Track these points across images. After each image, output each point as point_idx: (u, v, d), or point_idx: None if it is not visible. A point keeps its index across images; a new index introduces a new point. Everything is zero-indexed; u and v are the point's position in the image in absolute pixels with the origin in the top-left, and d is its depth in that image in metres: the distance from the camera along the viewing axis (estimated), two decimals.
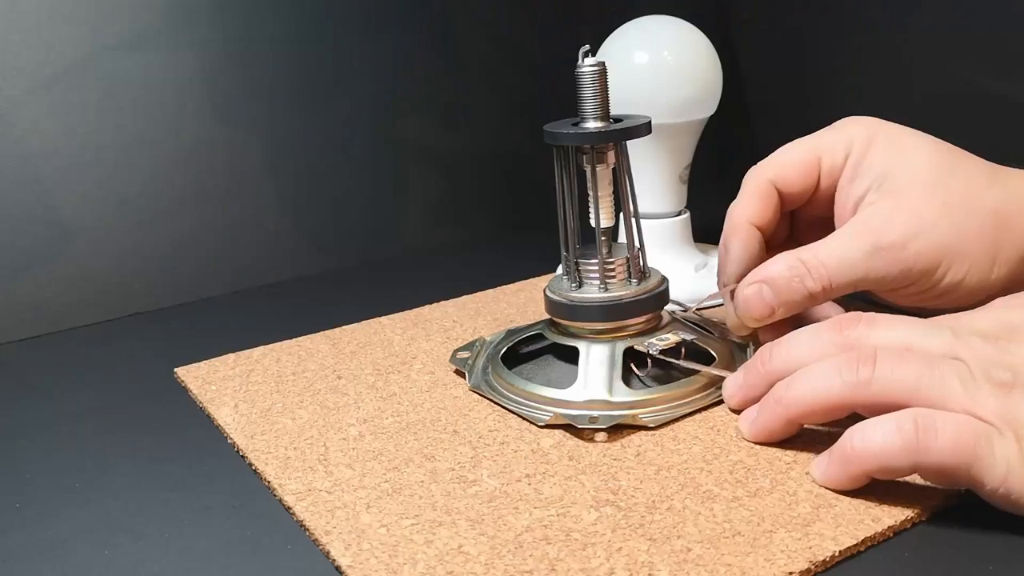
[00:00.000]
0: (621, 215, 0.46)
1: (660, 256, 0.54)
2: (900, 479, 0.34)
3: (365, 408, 0.45)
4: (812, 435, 0.38)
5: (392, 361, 0.51)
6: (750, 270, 0.44)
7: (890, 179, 0.42)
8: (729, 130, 0.65)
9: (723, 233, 0.47)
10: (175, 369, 0.52)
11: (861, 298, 0.50)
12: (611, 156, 0.44)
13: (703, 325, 0.48)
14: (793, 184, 0.45)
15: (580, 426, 0.40)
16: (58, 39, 0.62)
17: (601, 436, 0.40)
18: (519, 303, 0.58)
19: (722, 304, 0.46)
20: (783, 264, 0.42)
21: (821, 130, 0.46)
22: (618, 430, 0.40)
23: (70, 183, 0.63)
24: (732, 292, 0.44)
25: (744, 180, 0.46)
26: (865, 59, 0.73)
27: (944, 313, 0.40)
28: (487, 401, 0.44)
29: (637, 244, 0.45)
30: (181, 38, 0.65)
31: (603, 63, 0.43)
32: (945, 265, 0.41)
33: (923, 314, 0.39)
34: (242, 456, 0.42)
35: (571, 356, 0.44)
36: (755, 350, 0.46)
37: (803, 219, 0.47)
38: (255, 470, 0.40)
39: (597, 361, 0.43)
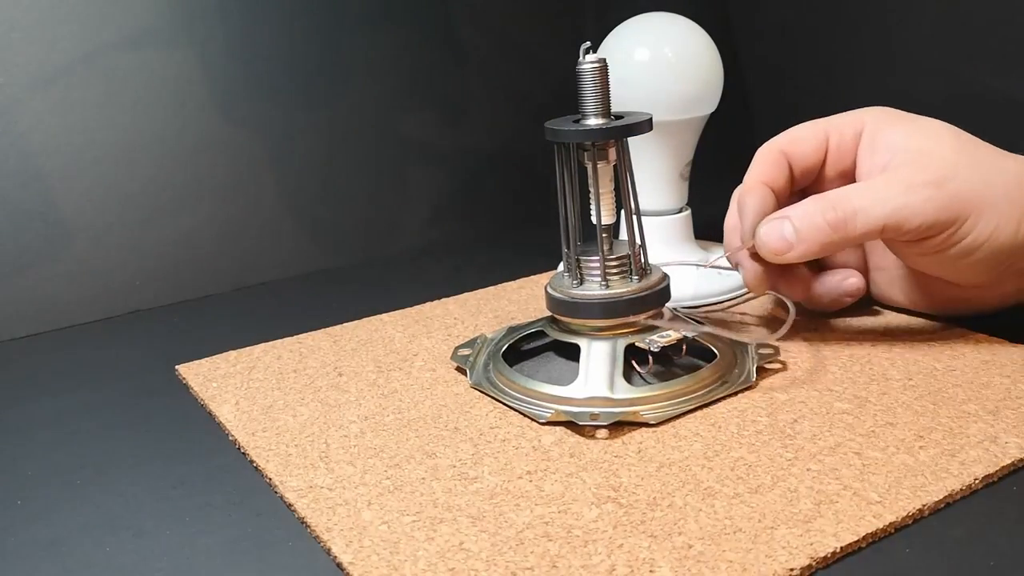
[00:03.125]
0: (622, 212, 0.46)
1: (661, 253, 0.54)
2: (902, 476, 0.34)
3: (366, 405, 0.45)
4: (813, 434, 0.38)
5: (393, 358, 0.51)
6: None
7: (914, 145, 0.43)
8: (730, 127, 0.65)
9: (736, 198, 0.48)
10: (176, 366, 0.52)
11: (871, 300, 0.50)
12: (612, 153, 0.44)
13: (704, 322, 0.48)
14: (801, 156, 0.46)
15: (581, 423, 0.40)
16: (59, 36, 0.62)
17: (602, 433, 0.40)
18: (520, 300, 0.58)
19: (725, 302, 0.46)
20: (807, 200, 0.43)
21: (832, 116, 0.47)
22: (619, 427, 0.40)
23: (71, 180, 0.63)
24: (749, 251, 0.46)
25: (756, 153, 0.47)
26: (866, 55, 0.73)
27: (957, 286, 0.41)
28: (488, 398, 0.44)
29: (638, 241, 0.45)
30: (182, 35, 0.65)
31: (604, 60, 0.43)
32: (975, 217, 0.41)
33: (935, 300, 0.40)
34: (243, 453, 0.42)
35: (572, 353, 0.44)
36: (756, 347, 0.46)
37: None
38: (256, 467, 0.40)
39: (598, 358, 0.43)
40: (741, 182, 0.48)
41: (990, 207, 0.41)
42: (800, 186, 0.47)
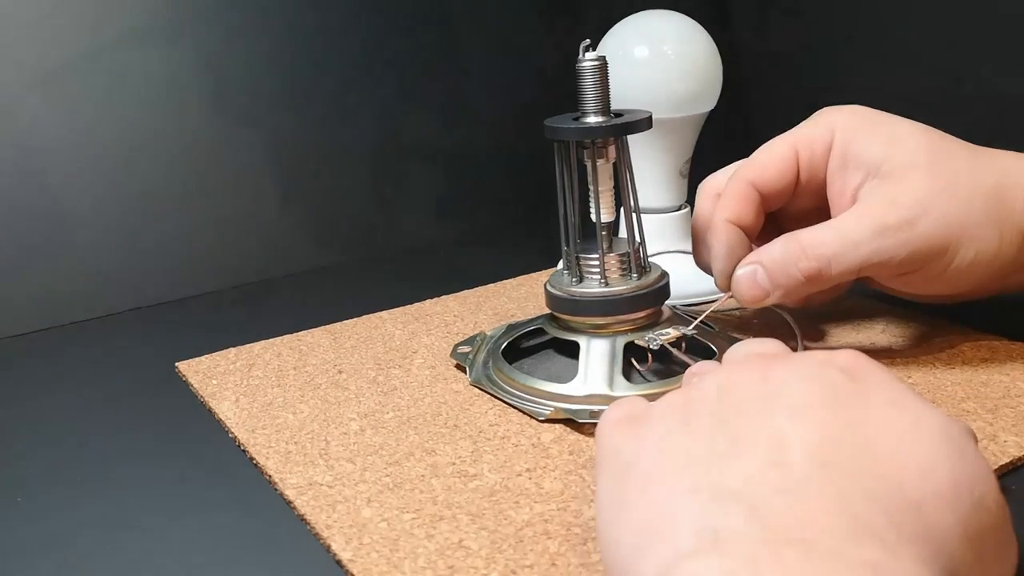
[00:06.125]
0: (622, 210, 0.46)
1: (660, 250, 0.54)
2: None
3: (366, 402, 0.45)
4: None
5: (393, 356, 0.51)
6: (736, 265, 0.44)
7: (887, 163, 0.41)
8: (729, 125, 0.65)
9: (696, 223, 0.47)
10: (176, 364, 0.52)
11: (864, 292, 0.50)
12: (612, 151, 0.44)
13: (704, 320, 0.48)
14: (772, 182, 0.44)
15: (581, 420, 0.40)
16: (59, 33, 0.62)
17: None
18: (520, 298, 0.58)
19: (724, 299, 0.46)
20: (779, 246, 0.42)
21: (800, 124, 0.45)
22: None
23: (71, 178, 0.63)
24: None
25: (727, 183, 0.46)
26: (865, 52, 0.73)
27: (947, 302, 0.39)
28: (488, 396, 0.44)
29: (638, 239, 0.45)
30: (182, 33, 0.65)
31: (604, 58, 0.43)
32: (954, 247, 0.40)
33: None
34: (243, 450, 0.42)
35: (572, 351, 0.44)
36: None
37: (789, 213, 0.47)
38: (256, 464, 0.40)
39: (597, 356, 0.43)
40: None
41: (968, 234, 0.40)
42: (774, 207, 0.46)
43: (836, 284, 0.43)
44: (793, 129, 0.45)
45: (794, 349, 0.45)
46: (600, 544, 0.27)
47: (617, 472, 0.27)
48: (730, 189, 0.45)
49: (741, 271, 0.43)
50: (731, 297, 0.45)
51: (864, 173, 0.42)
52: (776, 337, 0.33)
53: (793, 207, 0.46)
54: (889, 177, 0.41)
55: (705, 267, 0.47)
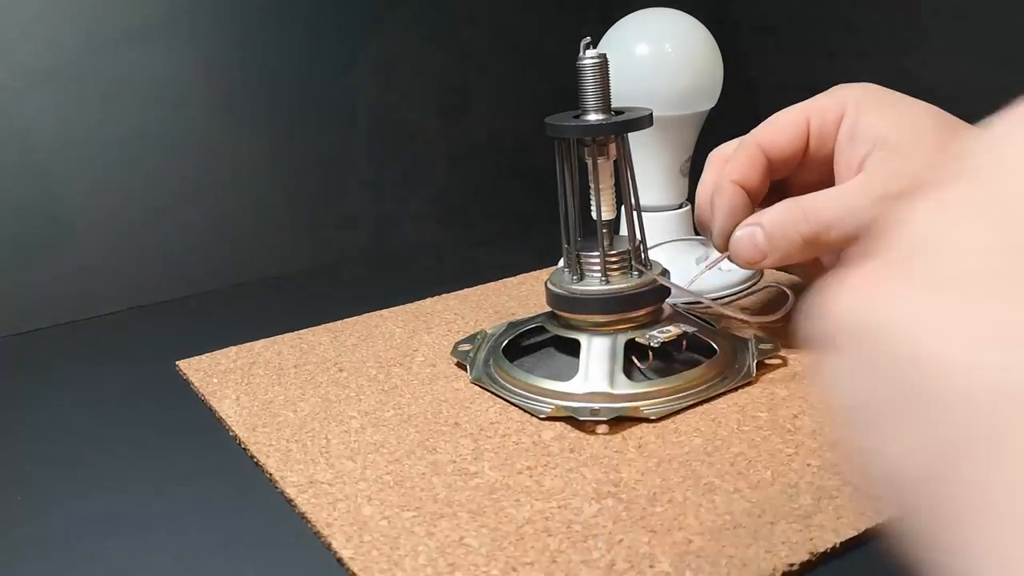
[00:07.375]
0: (622, 208, 0.46)
1: (660, 249, 0.54)
2: None
3: (367, 401, 0.45)
4: (813, 430, 0.38)
5: (394, 354, 0.51)
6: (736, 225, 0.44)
7: (894, 136, 0.42)
8: (730, 123, 0.65)
9: (702, 189, 0.47)
10: (177, 362, 0.52)
11: None
12: (612, 149, 0.44)
13: (704, 318, 0.48)
14: (781, 147, 0.45)
15: (581, 418, 0.40)
16: (59, 32, 0.62)
17: (602, 428, 0.40)
18: (520, 296, 0.58)
19: (725, 297, 0.46)
20: (780, 208, 0.43)
21: (815, 96, 0.46)
22: (619, 422, 0.40)
23: (72, 176, 0.63)
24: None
25: (736, 146, 0.46)
26: (866, 49, 0.73)
27: None
28: (488, 394, 0.44)
29: (638, 237, 0.45)
30: (183, 31, 0.65)
31: (604, 55, 0.43)
32: None
33: None
34: (244, 448, 0.42)
35: (572, 348, 0.44)
36: (755, 342, 0.46)
37: (794, 185, 0.47)
38: (257, 462, 0.40)
39: (598, 353, 0.43)
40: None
41: None
42: (780, 176, 0.46)
43: (834, 254, 0.43)
44: (807, 100, 0.46)
45: (787, 314, 0.45)
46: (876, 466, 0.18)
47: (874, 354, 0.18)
48: (739, 151, 0.45)
49: (740, 231, 0.44)
50: (739, 292, 0.45)
51: (871, 144, 0.43)
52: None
53: (799, 178, 0.46)
54: (895, 149, 0.42)
55: (705, 228, 0.47)
